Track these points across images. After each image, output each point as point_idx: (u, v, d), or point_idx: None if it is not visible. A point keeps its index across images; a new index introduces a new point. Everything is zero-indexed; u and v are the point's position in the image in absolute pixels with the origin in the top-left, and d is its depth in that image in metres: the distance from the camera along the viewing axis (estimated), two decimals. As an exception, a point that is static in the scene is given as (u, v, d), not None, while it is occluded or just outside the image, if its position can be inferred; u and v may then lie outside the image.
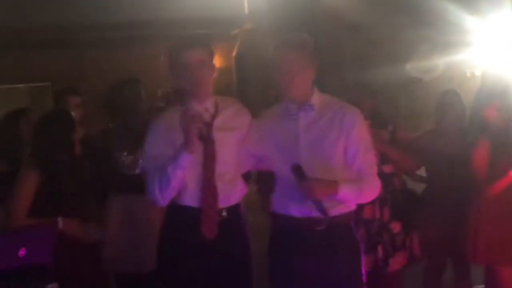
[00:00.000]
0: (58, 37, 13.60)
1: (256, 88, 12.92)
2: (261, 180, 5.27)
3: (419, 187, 5.28)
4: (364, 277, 3.70)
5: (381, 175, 4.42)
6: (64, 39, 13.59)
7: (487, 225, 4.64)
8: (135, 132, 4.77)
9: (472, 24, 14.88)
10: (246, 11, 15.32)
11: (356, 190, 3.52)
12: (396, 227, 4.73)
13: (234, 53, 14.97)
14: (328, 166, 3.53)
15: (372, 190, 3.61)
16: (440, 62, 15.81)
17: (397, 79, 11.79)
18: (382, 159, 4.61)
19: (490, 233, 4.64)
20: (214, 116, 3.65)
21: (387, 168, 4.69)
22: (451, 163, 4.91)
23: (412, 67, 15.62)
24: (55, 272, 4.05)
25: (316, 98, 3.63)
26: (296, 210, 3.57)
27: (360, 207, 4.32)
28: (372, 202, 4.42)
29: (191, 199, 3.60)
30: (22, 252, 3.86)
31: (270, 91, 5.42)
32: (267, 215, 3.96)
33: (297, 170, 3.37)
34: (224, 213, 3.65)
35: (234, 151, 3.65)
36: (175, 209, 3.66)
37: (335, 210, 3.53)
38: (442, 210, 4.97)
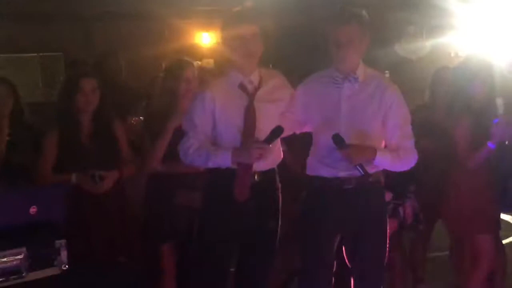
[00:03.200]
0: (68, 9, 13.51)
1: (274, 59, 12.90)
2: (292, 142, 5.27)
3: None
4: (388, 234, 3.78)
5: None
6: (74, 11, 13.50)
7: (463, 196, 4.65)
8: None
9: (456, 8, 14.88)
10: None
11: (392, 158, 3.62)
12: (387, 196, 4.72)
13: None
14: (365, 135, 3.62)
15: (408, 160, 3.71)
16: (427, 43, 15.84)
17: (387, 58, 11.76)
18: None
19: (466, 203, 4.65)
20: (257, 88, 3.69)
21: None
22: (441, 136, 4.91)
23: (401, 47, 15.65)
24: (66, 228, 4.05)
25: (361, 70, 3.69)
26: (326, 171, 3.66)
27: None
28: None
29: (225, 159, 3.67)
30: (33, 209, 3.85)
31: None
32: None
33: (337, 139, 3.43)
34: (256, 177, 3.70)
35: (273, 121, 3.69)
36: (209, 170, 3.72)
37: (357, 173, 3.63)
38: (430, 181, 4.97)
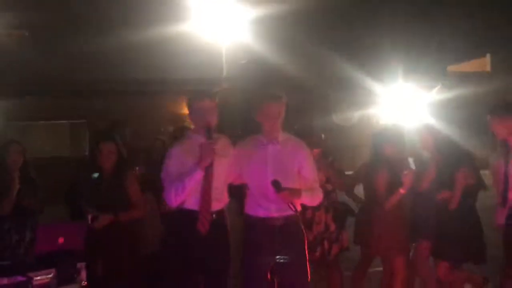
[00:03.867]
0: (92, 86, 13.56)
1: (231, 132, 12.96)
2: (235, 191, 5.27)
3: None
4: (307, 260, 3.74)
5: (325, 190, 4.41)
6: (97, 87, 13.55)
7: (384, 227, 4.67)
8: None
9: (377, 88, 15.28)
10: (224, 73, 15.41)
11: (311, 195, 3.67)
12: (332, 227, 4.72)
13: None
14: (288, 181, 3.60)
15: (318, 195, 3.75)
16: (355, 114, 16.14)
17: (326, 125, 11.91)
18: (326, 179, 4.64)
19: (386, 232, 4.67)
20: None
21: (329, 186, 4.70)
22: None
23: (337, 117, 15.88)
24: (85, 255, 3.99)
25: (281, 135, 3.71)
26: (262, 212, 3.64)
27: (303, 211, 4.33)
28: (318, 209, 4.55)
29: (192, 204, 3.62)
30: (61, 239, 3.82)
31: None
32: (239, 216, 3.97)
33: (276, 184, 3.48)
34: (214, 215, 3.67)
35: (224, 171, 3.69)
36: (179, 211, 3.66)
37: (286, 213, 3.62)
38: (363, 215, 4.98)
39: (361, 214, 4.87)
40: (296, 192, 3.54)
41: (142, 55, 13.79)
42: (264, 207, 3.61)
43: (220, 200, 3.68)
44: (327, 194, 4.52)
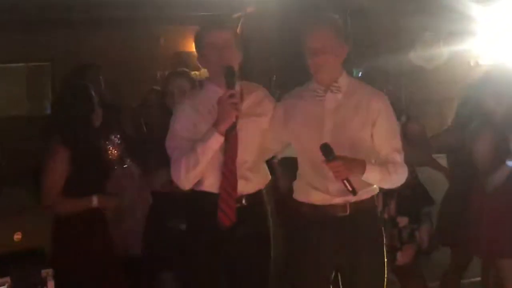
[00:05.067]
0: (55, 15, 13.53)
1: (259, 80, 12.92)
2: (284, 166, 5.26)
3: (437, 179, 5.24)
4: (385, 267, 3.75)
5: None
6: (60, 17, 13.52)
7: (486, 219, 4.66)
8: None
9: (476, 13, 14.86)
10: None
11: (383, 172, 3.60)
12: (402, 221, 4.71)
13: (237, 34, 14.92)
14: (353, 150, 3.60)
15: (399, 175, 3.69)
16: (444, 50, 15.81)
17: (400, 67, 11.81)
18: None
19: (489, 226, 4.65)
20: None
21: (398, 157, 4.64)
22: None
23: (415, 55, 15.61)
24: (52, 257, 4.06)
25: (344, 80, 3.67)
26: (318, 197, 3.62)
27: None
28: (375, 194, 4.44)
29: (210, 185, 3.64)
30: (17, 236, 3.87)
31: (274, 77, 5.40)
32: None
33: (326, 149, 3.40)
34: (243, 201, 3.68)
35: (257, 138, 3.70)
36: (193, 195, 3.69)
37: (355, 197, 3.57)
38: (449, 204, 4.98)
39: (448, 201, 4.86)
40: (356, 164, 3.50)
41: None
42: (322, 189, 3.59)
43: (251, 179, 3.69)
44: None
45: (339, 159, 3.46)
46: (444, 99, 17.21)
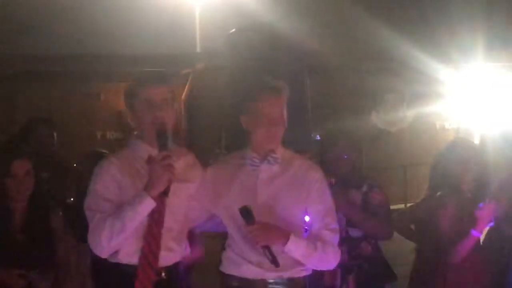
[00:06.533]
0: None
1: (208, 136, 12.92)
2: None
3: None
4: None
5: (347, 239, 4.45)
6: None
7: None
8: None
9: (442, 74, 15.17)
10: (198, 49, 15.38)
11: (308, 247, 3.50)
12: None
13: (183, 96, 14.95)
14: (286, 225, 3.49)
15: (327, 255, 3.57)
16: (408, 113, 16.04)
17: (362, 131, 11.95)
18: (349, 221, 4.61)
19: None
20: None
21: (355, 232, 4.65)
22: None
23: (378, 118, 15.81)
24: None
25: (280, 150, 3.65)
26: (249, 271, 3.58)
27: (321, 272, 4.34)
28: (333, 268, 4.43)
29: (127, 255, 3.55)
30: None
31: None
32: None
33: (246, 212, 3.40)
34: (163, 274, 3.62)
35: (183, 205, 3.64)
36: (107, 265, 3.61)
37: (290, 273, 3.55)
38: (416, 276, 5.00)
39: (415, 277, 4.90)
40: (278, 232, 3.46)
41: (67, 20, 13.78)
42: (253, 261, 3.55)
43: (175, 250, 3.63)
44: (350, 245, 4.57)
45: (260, 223, 3.44)
46: (408, 165, 17.48)
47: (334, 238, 3.58)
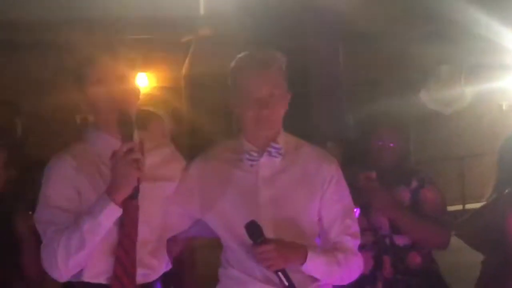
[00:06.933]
0: None
1: (212, 114, 12.98)
2: None
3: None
4: None
5: (392, 248, 4.51)
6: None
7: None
8: None
9: (509, 42, 15.17)
10: (202, 11, 15.42)
11: (330, 263, 3.54)
12: None
13: (184, 67, 15.03)
14: (296, 232, 3.56)
15: (350, 268, 3.64)
16: (466, 90, 16.06)
17: (408, 112, 11.91)
18: (394, 226, 4.60)
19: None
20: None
21: (401, 240, 4.65)
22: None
23: (428, 97, 15.83)
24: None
25: (283, 139, 3.64)
26: (253, 286, 3.59)
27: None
28: (374, 285, 4.53)
29: (96, 275, 3.55)
30: None
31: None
32: None
33: (252, 229, 3.37)
34: None
35: (159, 211, 3.62)
36: (73, 286, 3.61)
37: None
38: None
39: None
40: (294, 250, 3.46)
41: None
42: (259, 277, 3.55)
43: (153, 268, 3.63)
44: (396, 255, 4.59)
45: (271, 243, 3.40)
46: (467, 156, 17.52)
47: (356, 244, 3.61)
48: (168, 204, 3.64)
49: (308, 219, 3.56)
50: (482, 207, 5.09)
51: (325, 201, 3.57)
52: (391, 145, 4.61)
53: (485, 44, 14.40)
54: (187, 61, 14.90)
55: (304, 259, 3.41)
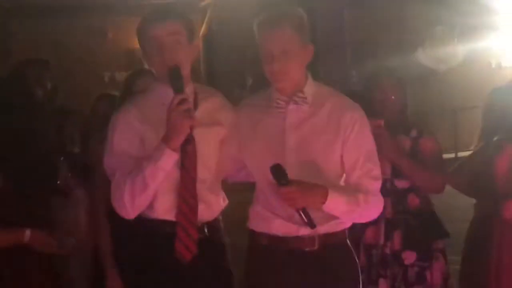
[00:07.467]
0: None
1: (229, 75, 12.91)
2: None
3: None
4: None
5: (393, 191, 4.55)
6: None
7: (507, 256, 4.71)
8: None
9: (500, 3, 15.00)
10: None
11: (350, 203, 3.56)
12: (409, 257, 4.73)
13: (202, 29, 14.92)
14: (318, 174, 3.57)
15: (370, 207, 3.65)
16: (459, 49, 15.92)
17: (406, 69, 11.88)
18: (395, 171, 4.64)
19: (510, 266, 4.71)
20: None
21: (401, 183, 4.66)
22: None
23: (424, 55, 15.70)
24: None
25: (310, 88, 3.63)
26: (281, 227, 3.62)
27: (362, 228, 4.40)
28: (376, 224, 4.50)
29: (164, 211, 3.61)
30: None
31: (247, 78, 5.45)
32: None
33: (277, 171, 3.41)
34: (206, 230, 3.67)
35: (215, 152, 3.66)
36: (142, 222, 3.67)
37: (326, 227, 3.58)
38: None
39: (473, 237, 4.92)
40: (315, 191, 3.48)
41: None
42: (285, 217, 3.58)
43: (211, 203, 3.69)
44: (396, 197, 4.64)
45: (294, 184, 3.43)
46: (460, 109, 17.37)
47: (377, 186, 3.62)
48: (220, 147, 3.70)
49: (330, 163, 3.57)
50: (470, 155, 5.12)
51: (347, 146, 3.57)
52: (392, 97, 4.64)
53: (476, 6, 14.29)
54: (204, 23, 14.83)
55: (324, 199, 3.43)
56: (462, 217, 5.16)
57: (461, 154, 10.87)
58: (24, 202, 4.35)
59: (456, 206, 5.51)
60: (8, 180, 4.37)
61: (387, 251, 4.66)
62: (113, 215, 3.79)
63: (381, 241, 4.65)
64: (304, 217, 3.41)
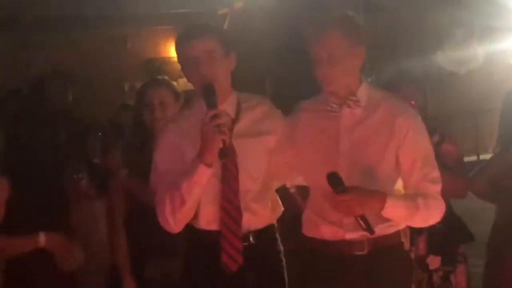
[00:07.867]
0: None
1: (247, 84, 12.90)
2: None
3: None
4: None
5: None
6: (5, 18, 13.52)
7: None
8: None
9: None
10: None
11: (409, 208, 3.54)
12: (434, 262, 4.71)
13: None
14: (372, 178, 3.57)
15: (431, 212, 3.62)
16: (479, 51, 15.85)
17: (426, 72, 11.86)
18: None
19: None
20: (234, 120, 3.66)
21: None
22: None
23: (444, 58, 15.64)
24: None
25: (364, 91, 3.63)
26: (328, 231, 3.62)
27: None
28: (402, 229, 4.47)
29: (207, 222, 3.63)
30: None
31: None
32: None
33: (334, 179, 3.38)
34: (251, 239, 3.68)
35: (261, 162, 3.65)
36: (191, 232, 3.70)
37: (379, 229, 3.55)
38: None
39: (495, 239, 4.90)
40: (373, 197, 3.46)
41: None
42: (334, 221, 3.57)
43: (258, 212, 3.68)
44: None
45: (351, 191, 3.41)
46: (480, 111, 17.36)
47: (436, 189, 3.59)
48: (273, 155, 3.69)
49: (384, 167, 3.53)
50: (489, 160, 5.09)
51: (402, 150, 3.53)
52: (412, 102, 4.61)
53: (495, 8, 14.23)
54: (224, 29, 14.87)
55: (383, 205, 3.41)
56: (486, 220, 5.15)
57: (483, 156, 10.82)
58: (39, 212, 4.39)
59: (479, 210, 5.47)
60: (26, 191, 4.41)
61: (412, 256, 4.64)
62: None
63: (407, 246, 4.63)
64: (362, 223, 3.38)
